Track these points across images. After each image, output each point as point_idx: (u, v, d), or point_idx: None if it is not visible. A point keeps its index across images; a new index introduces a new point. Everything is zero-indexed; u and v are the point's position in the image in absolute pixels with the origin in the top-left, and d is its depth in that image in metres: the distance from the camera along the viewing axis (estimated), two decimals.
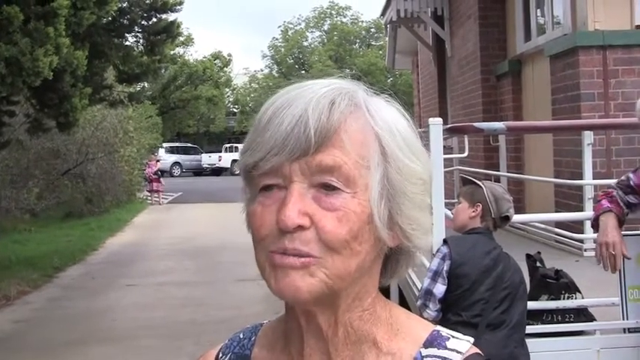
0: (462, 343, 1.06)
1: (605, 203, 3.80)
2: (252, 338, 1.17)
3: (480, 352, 1.07)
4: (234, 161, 42.88)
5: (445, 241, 3.86)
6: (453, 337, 1.07)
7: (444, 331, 1.08)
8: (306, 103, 1.00)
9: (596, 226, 3.84)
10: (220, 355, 1.19)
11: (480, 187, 3.90)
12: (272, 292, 1.01)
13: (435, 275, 3.76)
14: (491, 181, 7.38)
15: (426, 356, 1.05)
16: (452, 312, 3.72)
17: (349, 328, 1.05)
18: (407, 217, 1.04)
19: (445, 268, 3.73)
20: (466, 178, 4.22)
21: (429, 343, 1.06)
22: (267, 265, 1.01)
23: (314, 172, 0.99)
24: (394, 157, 1.03)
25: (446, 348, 1.05)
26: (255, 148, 1.02)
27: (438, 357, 1.05)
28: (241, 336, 1.19)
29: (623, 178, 3.91)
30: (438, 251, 3.83)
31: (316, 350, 1.06)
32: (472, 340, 1.08)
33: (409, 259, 1.11)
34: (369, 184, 1.00)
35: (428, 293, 3.76)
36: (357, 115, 1.02)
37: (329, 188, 0.99)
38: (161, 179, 27.75)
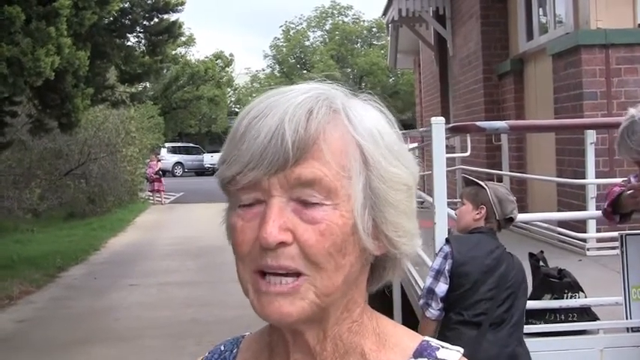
0: (452, 353, 1.03)
1: (617, 189, 3.80)
2: (234, 350, 1.14)
3: None
4: None
5: (447, 240, 3.85)
6: (443, 347, 1.04)
7: (434, 342, 1.05)
8: (282, 113, 0.96)
9: (610, 212, 3.81)
10: None
11: (484, 188, 3.88)
12: (256, 314, 0.98)
13: (438, 274, 3.75)
14: (493, 180, 7.37)
15: None
16: (454, 311, 3.71)
17: (338, 341, 1.02)
18: (392, 225, 1.01)
19: (447, 267, 3.73)
20: (469, 178, 4.20)
21: (418, 354, 1.03)
22: (251, 288, 0.99)
23: (293, 186, 0.95)
24: (376, 165, 0.99)
25: (436, 358, 1.02)
26: (231, 161, 0.98)
27: None
28: (222, 348, 1.16)
29: (625, 178, 3.91)
30: (440, 250, 3.82)
31: None
32: (462, 350, 1.04)
33: (395, 265, 1.07)
34: (351, 194, 0.97)
35: (430, 292, 3.76)
36: (336, 123, 0.98)
37: (309, 203, 0.96)
38: (161, 179, 27.73)
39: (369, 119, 1.01)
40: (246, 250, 0.97)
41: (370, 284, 1.07)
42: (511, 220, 3.90)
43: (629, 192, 3.63)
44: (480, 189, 3.90)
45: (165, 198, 27.76)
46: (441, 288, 3.73)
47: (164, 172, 31.63)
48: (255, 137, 0.95)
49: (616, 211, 3.80)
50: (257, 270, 0.97)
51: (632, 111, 3.39)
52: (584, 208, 7.22)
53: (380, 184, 0.99)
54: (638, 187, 3.55)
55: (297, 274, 0.95)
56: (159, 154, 33.51)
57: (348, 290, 1.00)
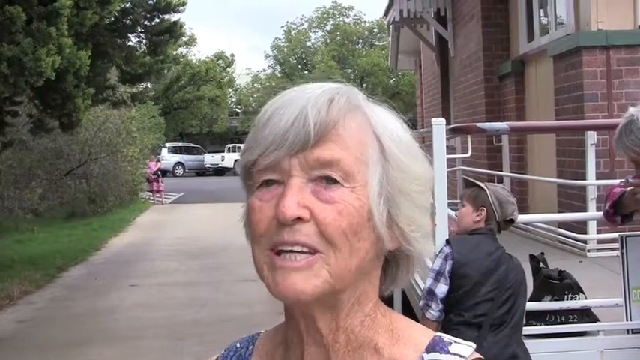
0: (464, 347, 1.05)
1: (617, 190, 3.80)
2: (250, 347, 1.16)
3: (481, 357, 1.05)
4: (236, 161, 42.88)
5: (448, 241, 3.86)
6: (455, 341, 1.06)
7: (446, 337, 1.07)
8: (304, 100, 1.00)
9: (612, 213, 3.81)
10: None
11: (484, 190, 3.87)
12: (271, 293, 1.00)
13: (438, 275, 3.75)
14: (494, 182, 7.36)
15: None
16: (454, 312, 3.71)
17: (350, 334, 1.04)
18: (406, 218, 1.03)
19: (447, 268, 3.73)
20: (469, 180, 4.20)
21: (431, 348, 1.05)
22: (266, 266, 1.00)
23: (313, 167, 0.99)
24: (393, 157, 1.02)
25: (448, 352, 1.04)
26: (254, 146, 1.02)
27: None
28: (238, 345, 1.18)
29: (624, 179, 3.91)
30: (440, 251, 3.82)
31: (316, 358, 1.05)
32: (474, 345, 1.06)
33: (409, 264, 1.09)
34: (368, 181, 1.00)
35: (430, 293, 3.76)
36: (355, 114, 1.02)
37: (329, 181, 0.99)
38: (159, 179, 27.69)
39: (387, 118, 1.06)
40: (263, 229, 1.00)
41: (383, 283, 1.09)
42: (511, 221, 3.90)
43: (629, 189, 3.64)
44: (480, 191, 3.89)
45: (165, 198, 27.76)
46: (441, 289, 3.73)
47: (164, 173, 31.62)
48: (277, 122, 1.00)
49: (617, 212, 3.80)
50: (272, 247, 0.99)
51: (631, 110, 3.40)
52: (584, 209, 7.22)
53: (397, 174, 1.02)
54: (639, 184, 3.56)
55: (312, 252, 0.98)
56: (159, 155, 33.49)
57: (361, 280, 1.02)
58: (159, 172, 28.01)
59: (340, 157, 0.99)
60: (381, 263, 1.06)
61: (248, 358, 1.15)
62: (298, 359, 1.07)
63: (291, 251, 0.98)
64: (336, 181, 0.99)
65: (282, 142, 0.98)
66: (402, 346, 1.05)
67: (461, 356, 1.04)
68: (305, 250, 0.98)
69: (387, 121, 1.05)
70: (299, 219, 0.97)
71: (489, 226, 3.84)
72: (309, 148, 0.98)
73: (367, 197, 1.00)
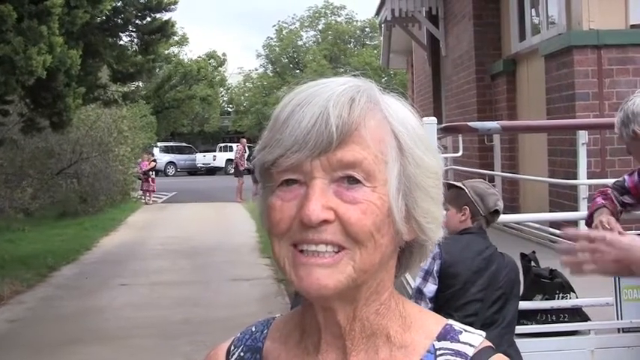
0: (474, 336, 1.08)
1: (599, 200, 3.79)
2: (265, 331, 1.18)
3: (492, 345, 1.08)
4: (228, 161, 42.88)
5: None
6: (466, 330, 1.09)
7: (457, 325, 1.10)
8: (325, 100, 1.01)
9: (590, 223, 3.83)
10: (232, 347, 1.20)
11: (462, 189, 3.87)
12: (296, 288, 1.02)
13: (426, 275, 3.75)
14: (480, 179, 7.36)
15: (439, 349, 1.07)
16: (444, 312, 3.70)
17: (365, 322, 1.06)
18: (422, 210, 1.06)
19: (436, 267, 3.73)
20: (447, 182, 4.18)
21: (442, 337, 1.08)
22: (287, 261, 1.02)
23: (335, 168, 1.00)
24: (410, 152, 1.05)
25: (459, 341, 1.07)
26: (274, 145, 1.02)
27: (452, 350, 1.06)
28: (253, 329, 1.20)
29: (619, 179, 3.91)
30: None
31: (333, 345, 1.07)
32: (484, 334, 1.09)
33: (422, 252, 1.13)
34: (387, 179, 1.02)
35: (419, 292, 3.76)
36: (375, 112, 1.04)
37: (351, 181, 1.00)
38: (150, 179, 27.56)
39: (403, 112, 1.08)
40: (285, 228, 1.02)
41: (397, 270, 1.12)
42: (497, 212, 3.88)
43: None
44: (458, 190, 3.88)
45: (154, 198, 27.65)
46: (430, 288, 3.73)
47: (157, 172, 31.54)
48: (299, 122, 1.00)
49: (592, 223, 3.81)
50: (295, 244, 1.01)
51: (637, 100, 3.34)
52: (575, 208, 7.23)
53: (414, 169, 1.05)
54: (598, 224, 3.57)
55: (338, 249, 1.00)
56: (151, 154, 33.39)
57: (379, 271, 1.05)
58: (149, 172, 27.87)
59: (362, 157, 1.00)
60: (397, 253, 1.09)
61: (262, 341, 1.17)
62: (315, 345, 1.09)
63: (315, 250, 1.00)
64: (357, 181, 1.00)
65: (304, 144, 0.99)
66: (413, 334, 1.08)
67: (471, 345, 1.07)
68: (329, 249, 1.00)
69: (403, 116, 1.07)
70: (324, 221, 0.99)
71: (477, 222, 3.83)
72: (332, 150, 0.99)
73: (387, 194, 1.02)
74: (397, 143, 1.04)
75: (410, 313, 1.10)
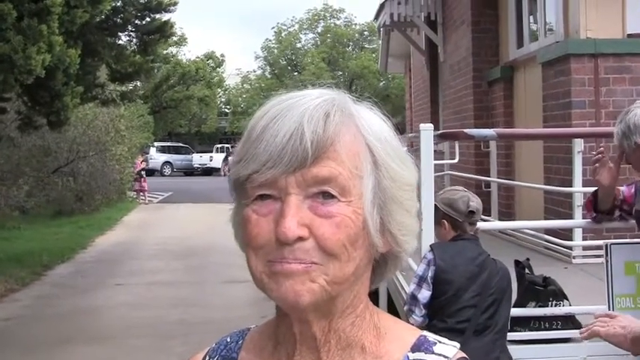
0: (448, 348, 1.08)
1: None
2: (240, 342, 1.18)
3: (466, 356, 1.08)
4: (225, 162, 42.85)
5: (431, 248, 3.88)
6: (440, 342, 1.09)
7: (431, 336, 1.09)
8: (300, 114, 1.00)
9: (592, 197, 3.84)
10: (207, 358, 1.20)
11: (435, 204, 3.96)
12: (272, 299, 1.02)
13: (420, 281, 3.78)
14: (481, 187, 7.36)
15: None
16: (437, 318, 3.73)
17: (341, 334, 1.06)
18: (397, 223, 1.06)
19: (430, 274, 3.75)
20: None
21: (416, 348, 1.07)
22: (265, 275, 1.02)
23: (310, 184, 1.00)
24: (385, 165, 1.04)
25: (433, 352, 1.07)
26: (248, 159, 1.02)
27: None
28: (228, 339, 1.20)
29: (618, 187, 3.94)
30: (424, 257, 3.85)
31: (307, 357, 1.07)
32: (458, 345, 1.09)
33: (397, 263, 1.13)
34: (363, 192, 1.02)
35: (413, 298, 3.79)
36: (349, 126, 1.03)
37: (326, 196, 1.00)
38: (142, 179, 27.55)
39: (377, 124, 1.07)
40: (261, 243, 1.01)
41: (372, 281, 1.11)
42: (472, 212, 3.87)
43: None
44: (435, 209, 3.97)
45: (150, 198, 27.63)
46: (424, 294, 3.75)
47: (152, 172, 31.50)
48: (274, 136, 1.00)
49: (596, 206, 3.83)
50: (271, 260, 1.01)
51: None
52: (570, 216, 7.25)
53: (388, 182, 1.04)
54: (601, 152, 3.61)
55: (312, 263, 1.00)
56: (147, 154, 33.34)
57: (354, 284, 1.05)
58: (142, 172, 27.87)
59: (337, 173, 1.00)
60: (371, 265, 1.08)
61: (237, 351, 1.17)
62: (289, 357, 1.08)
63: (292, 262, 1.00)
64: (332, 196, 1.00)
65: (279, 160, 0.99)
66: (387, 344, 1.07)
67: (445, 357, 1.06)
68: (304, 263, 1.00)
69: (377, 129, 1.06)
70: (299, 238, 0.98)
71: (460, 229, 3.86)
72: (307, 166, 0.99)
73: (362, 208, 1.02)
74: (372, 157, 1.04)
75: (384, 324, 1.10)
